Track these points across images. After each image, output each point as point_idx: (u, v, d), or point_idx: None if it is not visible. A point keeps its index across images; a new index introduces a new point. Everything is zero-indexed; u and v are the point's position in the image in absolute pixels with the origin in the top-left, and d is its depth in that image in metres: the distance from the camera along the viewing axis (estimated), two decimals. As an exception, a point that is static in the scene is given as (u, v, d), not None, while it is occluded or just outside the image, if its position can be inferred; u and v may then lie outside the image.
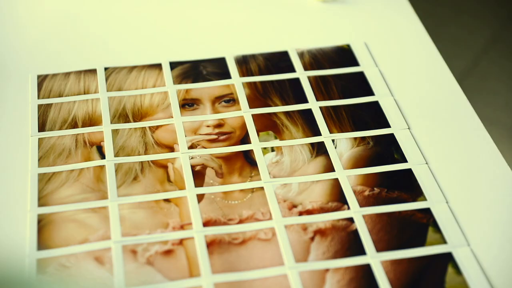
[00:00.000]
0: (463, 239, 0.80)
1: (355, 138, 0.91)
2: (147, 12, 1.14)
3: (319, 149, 0.90)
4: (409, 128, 0.93)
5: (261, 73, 1.00)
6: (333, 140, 0.91)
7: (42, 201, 0.83)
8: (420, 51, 1.07)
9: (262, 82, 0.99)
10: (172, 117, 0.94)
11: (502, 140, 1.77)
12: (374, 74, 1.01)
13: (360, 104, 0.96)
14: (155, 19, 1.12)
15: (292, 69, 1.01)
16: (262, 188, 0.85)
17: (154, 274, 0.75)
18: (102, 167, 0.87)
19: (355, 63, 1.03)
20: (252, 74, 1.00)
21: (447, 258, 0.78)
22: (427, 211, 0.83)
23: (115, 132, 0.91)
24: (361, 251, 0.78)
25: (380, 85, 0.99)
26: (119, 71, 1.01)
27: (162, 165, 0.87)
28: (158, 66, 1.02)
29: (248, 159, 0.88)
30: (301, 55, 1.03)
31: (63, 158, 0.88)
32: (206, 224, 0.80)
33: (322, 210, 0.82)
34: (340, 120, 0.94)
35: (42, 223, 0.80)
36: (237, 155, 0.89)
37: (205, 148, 0.89)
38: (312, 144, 0.90)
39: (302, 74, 1.00)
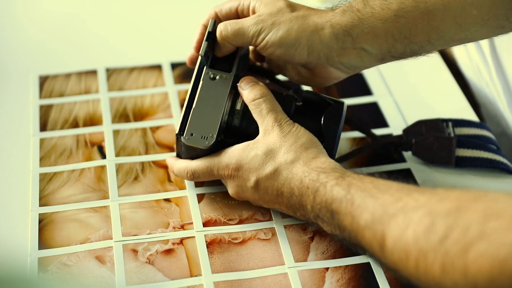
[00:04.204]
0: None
1: (354, 138, 0.91)
2: (148, 13, 1.14)
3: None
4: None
5: (261, 73, 1.00)
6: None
7: (43, 200, 0.83)
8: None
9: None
10: (173, 117, 0.94)
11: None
12: (373, 74, 1.02)
13: (359, 104, 0.97)
14: (156, 20, 1.13)
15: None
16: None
17: (154, 273, 0.76)
18: (103, 167, 0.87)
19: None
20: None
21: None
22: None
23: (116, 132, 0.92)
24: (360, 251, 0.78)
25: (379, 85, 1.00)
26: (120, 72, 1.01)
27: (163, 165, 0.88)
28: (159, 67, 1.02)
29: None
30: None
31: (64, 158, 0.88)
32: (206, 224, 0.81)
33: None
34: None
35: (44, 223, 0.81)
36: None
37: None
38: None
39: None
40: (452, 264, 0.59)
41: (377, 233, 0.65)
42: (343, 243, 0.72)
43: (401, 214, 0.64)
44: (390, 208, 0.65)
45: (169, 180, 0.86)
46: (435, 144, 0.87)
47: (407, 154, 0.89)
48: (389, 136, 0.90)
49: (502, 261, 0.56)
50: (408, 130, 0.89)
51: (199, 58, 0.82)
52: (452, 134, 0.88)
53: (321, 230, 0.74)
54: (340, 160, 0.86)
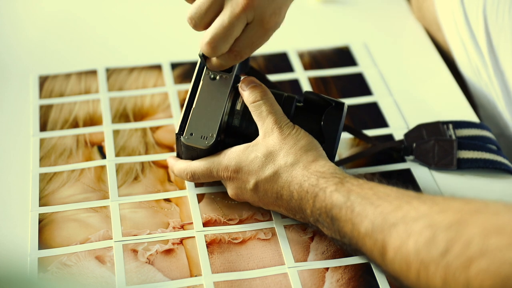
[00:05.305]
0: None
1: (355, 138, 0.91)
2: (148, 13, 1.14)
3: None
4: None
5: (261, 73, 1.00)
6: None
7: (43, 200, 0.83)
8: (420, 51, 1.07)
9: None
10: (173, 117, 0.94)
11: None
12: (373, 74, 1.02)
13: (359, 104, 0.97)
14: (156, 20, 1.13)
15: (291, 70, 1.02)
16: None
17: (154, 273, 0.76)
18: (103, 167, 0.87)
19: (354, 63, 1.03)
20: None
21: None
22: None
23: (116, 132, 0.92)
24: (360, 251, 0.78)
25: (379, 85, 1.00)
26: (120, 72, 1.01)
27: (163, 165, 0.88)
28: (159, 67, 1.02)
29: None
30: (301, 56, 1.04)
31: (64, 158, 0.89)
32: (206, 224, 0.81)
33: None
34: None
35: (44, 223, 0.81)
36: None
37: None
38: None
39: (302, 75, 1.01)
40: (454, 277, 0.59)
41: (378, 242, 0.65)
42: (343, 247, 0.72)
43: (401, 224, 0.64)
44: (390, 216, 0.65)
45: (169, 180, 0.86)
46: (436, 148, 0.87)
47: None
48: (390, 141, 0.90)
49: (504, 278, 0.56)
50: (408, 135, 0.89)
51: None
52: (453, 137, 0.88)
53: (321, 230, 0.74)
54: (339, 163, 0.86)
